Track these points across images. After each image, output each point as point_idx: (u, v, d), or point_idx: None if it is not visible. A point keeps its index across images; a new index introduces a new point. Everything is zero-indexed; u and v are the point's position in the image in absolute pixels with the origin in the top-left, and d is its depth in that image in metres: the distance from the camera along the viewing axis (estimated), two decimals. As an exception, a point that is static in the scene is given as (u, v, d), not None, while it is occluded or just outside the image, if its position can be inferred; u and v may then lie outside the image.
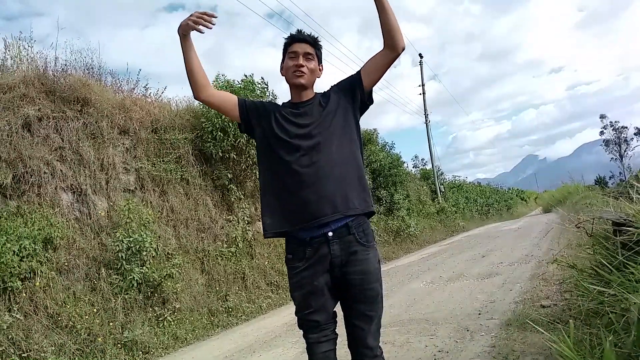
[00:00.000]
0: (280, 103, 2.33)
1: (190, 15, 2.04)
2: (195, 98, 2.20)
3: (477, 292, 5.65)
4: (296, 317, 2.11)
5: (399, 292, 6.65)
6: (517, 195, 47.30)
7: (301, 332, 2.12)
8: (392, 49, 2.07)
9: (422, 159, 25.09)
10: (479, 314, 4.60)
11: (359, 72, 2.15)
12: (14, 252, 4.63)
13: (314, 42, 2.18)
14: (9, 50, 6.61)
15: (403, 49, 2.09)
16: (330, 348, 2.07)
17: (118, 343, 5.13)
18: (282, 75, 2.22)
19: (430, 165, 24.50)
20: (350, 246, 2.01)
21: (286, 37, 2.22)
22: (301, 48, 2.14)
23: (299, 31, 2.20)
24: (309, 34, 2.21)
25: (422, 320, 4.72)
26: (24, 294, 4.73)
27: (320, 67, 2.23)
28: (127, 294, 5.60)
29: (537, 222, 16.40)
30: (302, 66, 2.12)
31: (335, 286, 2.06)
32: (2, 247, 4.53)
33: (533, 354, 3.17)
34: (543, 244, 9.05)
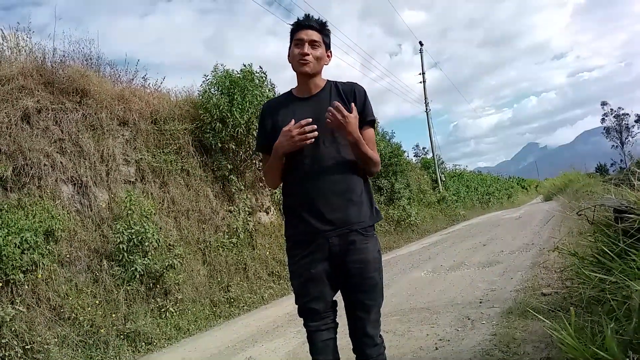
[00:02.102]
0: (285, 92, 2.29)
1: (289, 136, 1.97)
2: (269, 187, 2.17)
3: (478, 281, 5.66)
4: (296, 306, 2.12)
5: (400, 281, 6.66)
6: (517, 183, 47.28)
7: (302, 321, 2.13)
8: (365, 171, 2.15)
9: (423, 148, 25.06)
10: (480, 302, 4.61)
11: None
12: (16, 244, 4.64)
13: (321, 29, 2.11)
14: (6, 42, 6.58)
15: (375, 174, 2.20)
16: (331, 337, 2.08)
17: (121, 334, 5.16)
18: (289, 62, 2.17)
19: (431, 154, 24.46)
20: (348, 235, 2.01)
21: (293, 22, 2.15)
22: (307, 35, 2.07)
23: (307, 16, 2.12)
24: (317, 18, 2.13)
25: (423, 309, 4.73)
26: (26, 287, 4.75)
27: (329, 54, 2.16)
28: (129, 285, 5.62)
29: (538, 210, 16.38)
30: (308, 54, 2.06)
31: (334, 275, 2.06)
32: (3, 240, 4.53)
33: (534, 341, 3.18)
34: (544, 232, 9.05)
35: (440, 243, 11.11)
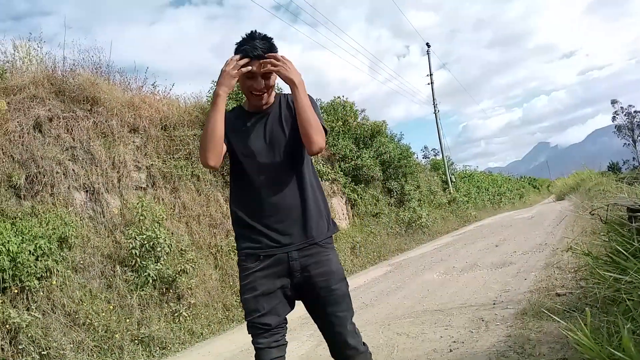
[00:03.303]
0: (236, 107, 2.19)
1: (227, 71, 1.90)
2: (204, 165, 1.98)
3: (491, 282, 5.62)
4: (246, 322, 2.01)
5: (412, 283, 6.64)
6: (529, 183, 46.97)
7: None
8: (306, 146, 1.96)
9: (433, 149, 25.04)
10: (494, 303, 4.58)
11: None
12: (30, 251, 4.70)
13: (269, 52, 1.95)
14: (17, 52, 6.68)
15: (318, 152, 1.96)
16: (280, 355, 2.00)
17: (135, 339, 5.19)
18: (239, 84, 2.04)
19: (441, 155, 24.40)
20: (309, 249, 1.98)
21: (238, 46, 1.96)
22: (258, 68, 1.93)
23: (252, 37, 1.96)
24: (263, 37, 1.97)
25: (437, 311, 4.71)
26: (41, 293, 4.80)
27: None
28: (143, 290, 5.66)
29: (550, 210, 16.25)
30: (262, 88, 1.98)
31: (294, 291, 2.01)
32: (18, 247, 4.59)
33: (549, 342, 3.15)
34: (557, 232, 8.97)
35: (452, 244, 11.06)
